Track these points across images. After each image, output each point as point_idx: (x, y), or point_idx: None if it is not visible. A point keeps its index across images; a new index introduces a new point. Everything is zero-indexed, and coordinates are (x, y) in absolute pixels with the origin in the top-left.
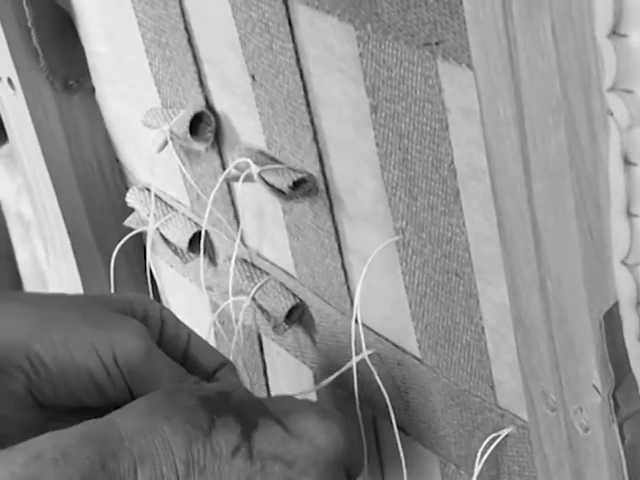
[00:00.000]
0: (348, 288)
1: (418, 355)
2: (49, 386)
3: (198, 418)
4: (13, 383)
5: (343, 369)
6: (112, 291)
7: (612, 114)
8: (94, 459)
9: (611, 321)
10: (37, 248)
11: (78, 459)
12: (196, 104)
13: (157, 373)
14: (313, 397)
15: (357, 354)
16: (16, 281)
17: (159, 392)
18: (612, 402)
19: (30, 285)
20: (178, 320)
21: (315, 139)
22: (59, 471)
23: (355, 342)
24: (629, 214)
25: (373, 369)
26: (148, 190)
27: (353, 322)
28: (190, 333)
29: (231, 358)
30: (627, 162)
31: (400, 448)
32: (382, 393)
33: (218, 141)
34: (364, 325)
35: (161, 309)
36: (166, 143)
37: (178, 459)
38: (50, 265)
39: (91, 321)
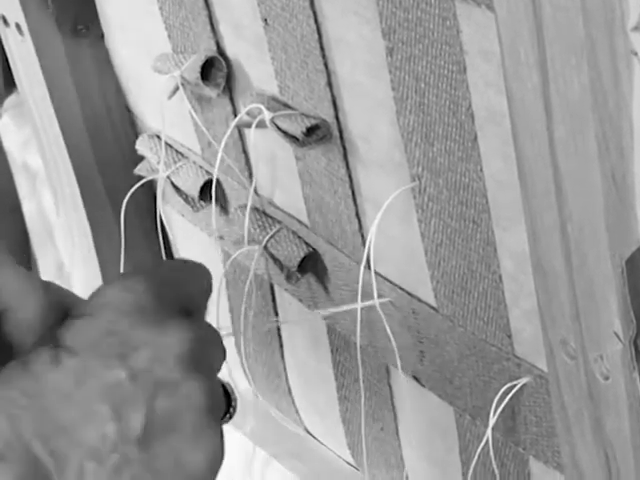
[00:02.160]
0: (362, 236)
1: (434, 304)
2: None
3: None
4: None
5: (358, 317)
6: (123, 239)
7: (636, 54)
8: None
9: (633, 267)
10: (44, 200)
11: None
12: (207, 49)
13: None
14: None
15: (370, 303)
16: (23, 234)
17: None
18: (633, 350)
19: (37, 238)
20: None
21: (329, 84)
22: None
23: (369, 291)
24: None
25: (384, 317)
26: (158, 137)
27: (362, 267)
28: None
29: (242, 308)
30: None
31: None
32: (394, 343)
33: (229, 87)
34: (378, 274)
35: None
36: (177, 89)
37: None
38: (60, 215)
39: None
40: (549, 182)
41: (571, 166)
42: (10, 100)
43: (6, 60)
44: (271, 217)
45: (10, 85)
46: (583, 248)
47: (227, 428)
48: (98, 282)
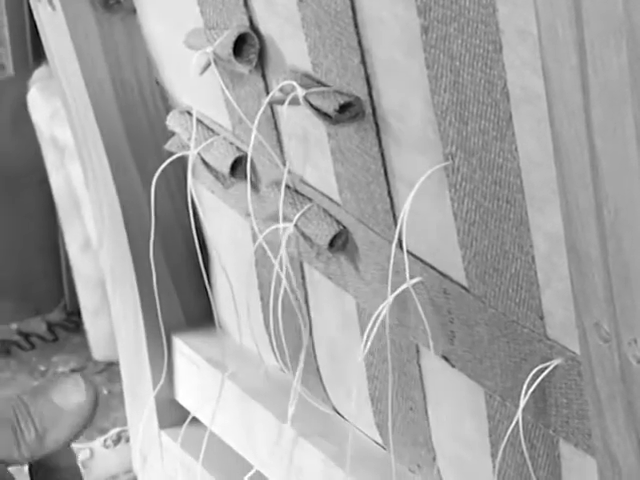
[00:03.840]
0: (394, 215)
1: (465, 284)
2: None
3: None
4: None
5: (390, 298)
6: (153, 215)
7: None
8: None
9: None
10: (72, 173)
11: None
12: (240, 25)
13: None
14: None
15: (401, 282)
16: (50, 207)
17: None
18: None
19: (64, 211)
20: None
21: (363, 61)
22: None
23: (399, 270)
24: None
25: (416, 297)
26: (189, 113)
27: (393, 246)
28: None
29: (272, 286)
30: None
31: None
32: (425, 323)
33: (262, 63)
34: (409, 253)
35: None
36: (209, 65)
37: None
38: (90, 191)
39: None
40: (585, 163)
41: (608, 147)
42: (38, 73)
43: (34, 33)
44: (302, 195)
45: (38, 58)
46: (619, 231)
47: (256, 405)
48: (126, 256)
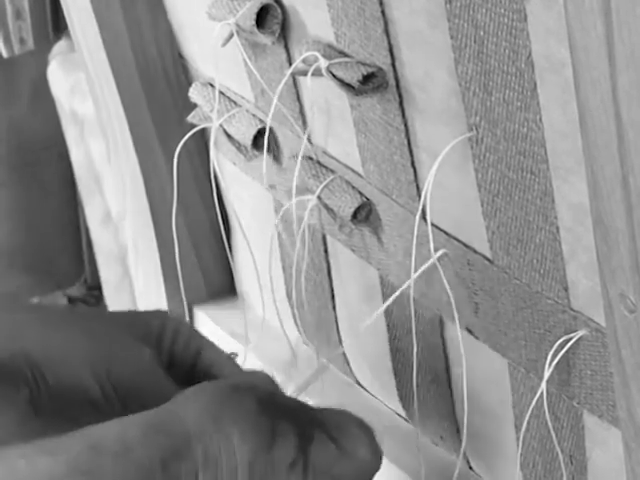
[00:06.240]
0: (417, 187)
1: (489, 256)
2: (48, 399)
3: (262, 424)
4: (15, 394)
5: (417, 273)
6: (175, 188)
7: None
8: (156, 457)
9: None
10: (92, 148)
11: (140, 456)
12: None
13: (155, 396)
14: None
15: (425, 254)
16: (70, 181)
17: (219, 386)
18: None
19: (85, 185)
20: (194, 331)
21: (386, 31)
22: (118, 468)
23: (423, 242)
24: None
25: (441, 269)
26: (211, 85)
27: (417, 218)
28: (202, 345)
29: (294, 258)
30: None
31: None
32: (449, 294)
33: (285, 34)
34: (433, 225)
35: (179, 322)
36: (231, 36)
37: (241, 468)
38: (111, 163)
39: (91, 338)
40: (611, 133)
41: (634, 116)
42: (58, 47)
43: (53, 6)
44: (325, 166)
45: (58, 31)
46: None
47: (279, 378)
48: (149, 229)
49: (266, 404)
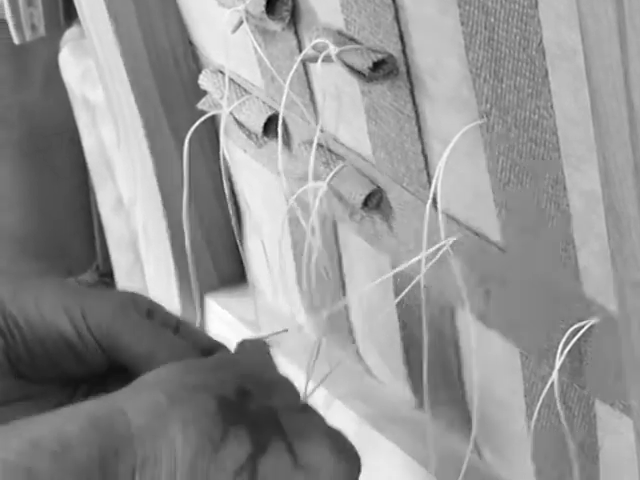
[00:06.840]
0: (428, 174)
1: (500, 244)
2: (24, 350)
3: (213, 429)
4: None
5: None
6: (186, 175)
7: None
8: (94, 456)
9: None
10: (103, 134)
11: (78, 455)
12: None
13: (135, 338)
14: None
15: (436, 242)
16: (82, 167)
17: (180, 377)
18: None
19: (96, 171)
20: (167, 311)
21: (396, 18)
22: (55, 467)
23: (433, 230)
24: None
25: (452, 257)
26: (221, 72)
27: (428, 206)
28: (180, 321)
29: (305, 245)
30: None
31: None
32: (460, 282)
33: (295, 21)
34: (444, 212)
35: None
36: (241, 23)
37: (180, 470)
38: (121, 150)
39: (64, 287)
40: (623, 120)
41: None
42: (69, 33)
43: None
44: (335, 153)
45: (69, 18)
46: None
47: (289, 366)
48: (159, 216)
49: (227, 405)
